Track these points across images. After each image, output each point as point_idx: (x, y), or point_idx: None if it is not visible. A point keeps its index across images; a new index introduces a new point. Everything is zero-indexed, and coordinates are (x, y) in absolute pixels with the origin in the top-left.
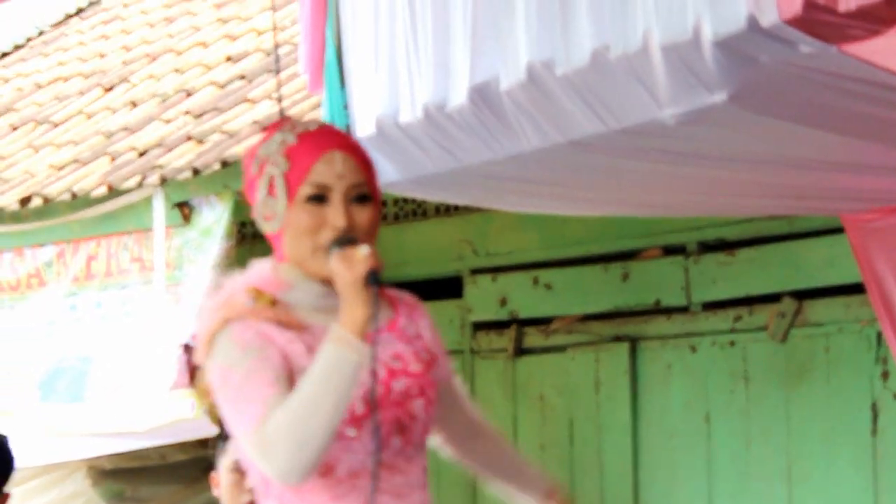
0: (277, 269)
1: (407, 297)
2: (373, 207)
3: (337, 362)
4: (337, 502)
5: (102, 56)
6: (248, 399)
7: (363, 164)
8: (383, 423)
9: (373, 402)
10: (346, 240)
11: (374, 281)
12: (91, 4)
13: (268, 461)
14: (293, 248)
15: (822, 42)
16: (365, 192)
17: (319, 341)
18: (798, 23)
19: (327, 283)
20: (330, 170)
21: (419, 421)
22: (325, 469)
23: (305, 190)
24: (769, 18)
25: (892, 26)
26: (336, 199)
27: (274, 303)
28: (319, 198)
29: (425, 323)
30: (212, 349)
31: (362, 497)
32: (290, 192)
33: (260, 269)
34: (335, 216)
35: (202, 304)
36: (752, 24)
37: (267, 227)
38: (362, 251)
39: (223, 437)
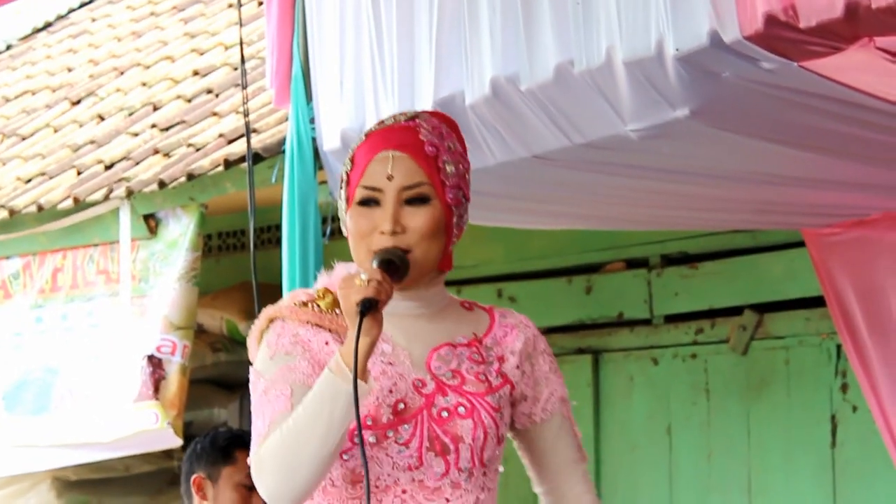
0: (358, 273)
1: (516, 317)
2: (434, 208)
3: (329, 391)
4: None
5: (70, 70)
6: (260, 413)
7: (426, 162)
8: (414, 437)
9: (359, 429)
10: (386, 255)
11: (363, 311)
12: (59, 18)
13: (259, 482)
14: (354, 253)
15: (784, 58)
16: (421, 194)
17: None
18: (759, 39)
19: (397, 288)
20: (381, 171)
21: (466, 444)
22: (354, 477)
23: (360, 192)
24: (731, 35)
25: (853, 43)
26: (387, 202)
27: (337, 304)
28: (371, 201)
29: (518, 347)
30: (257, 351)
31: None
32: (349, 195)
33: (341, 272)
34: (383, 220)
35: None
36: (715, 40)
37: (345, 232)
38: (361, 277)
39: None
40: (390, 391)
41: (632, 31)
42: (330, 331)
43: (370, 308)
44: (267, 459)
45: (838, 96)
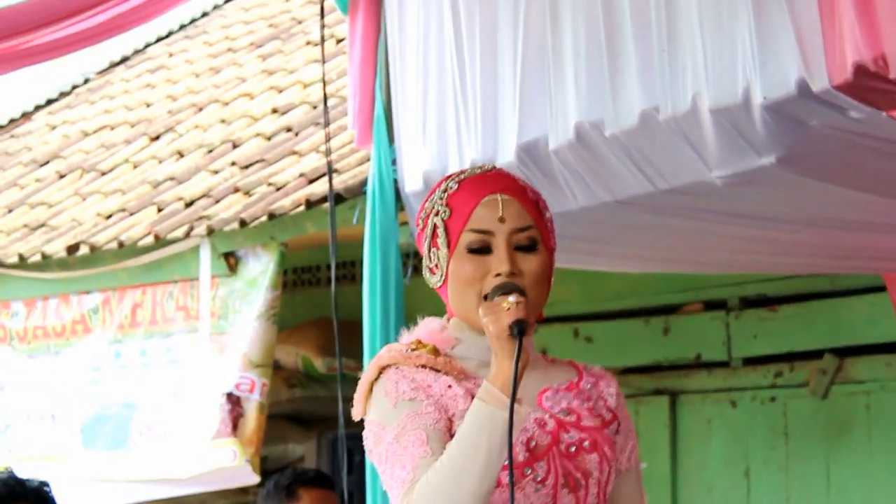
0: (446, 325)
1: (597, 368)
2: (542, 254)
3: (485, 420)
4: None
5: (148, 105)
6: (398, 462)
7: (531, 206)
8: (549, 474)
9: (510, 460)
10: (506, 287)
11: (519, 332)
12: (136, 53)
13: None
14: (457, 301)
15: (872, 108)
16: (532, 238)
17: (464, 385)
18: (848, 89)
19: None
20: (491, 214)
21: (593, 478)
22: None
23: (466, 238)
24: (820, 84)
25: None
26: (500, 246)
27: (436, 352)
28: (482, 246)
29: (612, 391)
30: (369, 402)
31: None
32: (452, 241)
33: (428, 325)
34: (499, 263)
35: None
36: (803, 88)
37: (432, 281)
38: (509, 300)
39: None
40: (523, 430)
41: (718, 78)
42: (447, 374)
43: (524, 331)
44: (425, 500)
45: None
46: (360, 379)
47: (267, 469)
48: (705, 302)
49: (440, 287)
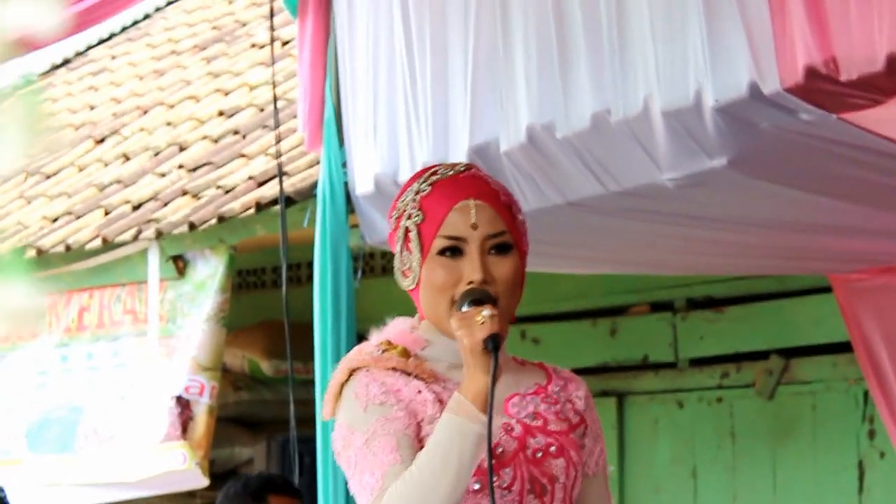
0: (416, 325)
1: (566, 372)
2: (515, 258)
3: (455, 433)
4: None
5: (92, 107)
6: (367, 468)
7: (504, 211)
8: (515, 480)
9: (489, 470)
10: (475, 294)
11: (494, 346)
12: (77, 55)
13: None
14: (429, 306)
15: (823, 110)
16: (505, 242)
17: (433, 389)
18: (799, 91)
19: None
20: (464, 220)
21: (559, 483)
22: None
23: (439, 243)
24: (771, 86)
25: (893, 96)
26: (472, 252)
27: (406, 354)
28: (454, 250)
29: (581, 394)
30: (338, 404)
31: None
32: (424, 246)
33: (397, 326)
34: (471, 270)
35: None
36: (754, 91)
37: (404, 283)
38: (483, 313)
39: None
40: None
41: (670, 80)
42: (417, 377)
43: (498, 345)
44: None
45: (874, 147)
46: (312, 380)
47: (214, 472)
48: (652, 303)
49: (412, 290)
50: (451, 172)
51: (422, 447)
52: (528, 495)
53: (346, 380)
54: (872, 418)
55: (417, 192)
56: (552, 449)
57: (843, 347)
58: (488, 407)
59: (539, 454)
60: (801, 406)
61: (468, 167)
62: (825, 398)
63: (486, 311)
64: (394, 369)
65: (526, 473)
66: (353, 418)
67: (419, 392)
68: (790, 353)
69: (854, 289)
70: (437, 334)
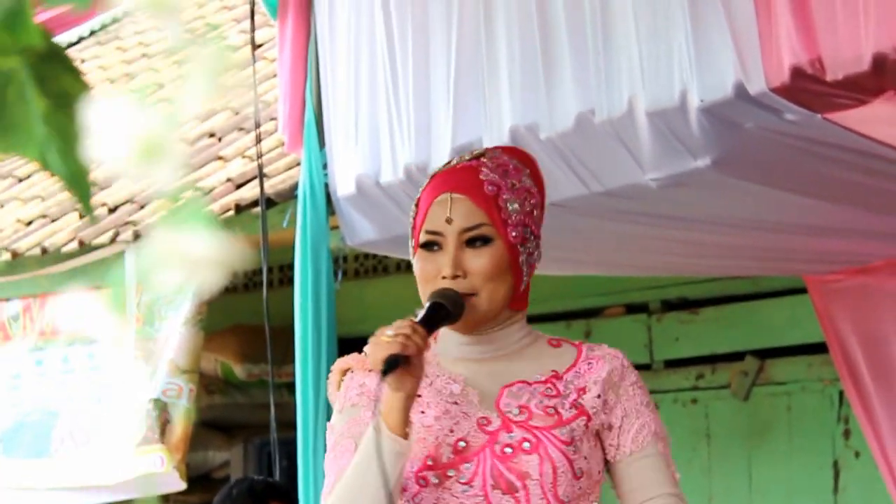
0: None
1: (605, 350)
2: (496, 249)
3: (371, 449)
4: None
5: None
6: (329, 469)
7: (486, 202)
8: (476, 476)
9: (385, 485)
10: (439, 300)
11: (385, 370)
12: None
13: None
14: (422, 297)
15: (808, 110)
16: (481, 235)
17: (438, 389)
18: (785, 91)
19: (467, 330)
20: (441, 214)
21: (532, 479)
22: None
23: (422, 237)
24: (756, 86)
25: (878, 96)
26: (448, 246)
27: None
28: (433, 245)
29: (601, 376)
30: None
31: None
32: (415, 239)
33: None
34: (443, 264)
35: None
36: (740, 91)
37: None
38: (387, 333)
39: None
40: (451, 430)
41: (654, 81)
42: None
43: (394, 367)
44: None
45: (859, 147)
46: (287, 383)
47: (188, 476)
48: (627, 305)
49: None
50: (454, 162)
51: None
52: (494, 491)
53: (339, 379)
54: (847, 418)
55: (422, 187)
56: (525, 445)
57: (818, 348)
58: (379, 422)
59: (509, 450)
60: (776, 407)
61: (478, 155)
62: (800, 399)
63: (390, 331)
64: (373, 370)
65: (489, 469)
66: (333, 419)
67: None
68: (765, 354)
69: (829, 290)
70: (445, 329)
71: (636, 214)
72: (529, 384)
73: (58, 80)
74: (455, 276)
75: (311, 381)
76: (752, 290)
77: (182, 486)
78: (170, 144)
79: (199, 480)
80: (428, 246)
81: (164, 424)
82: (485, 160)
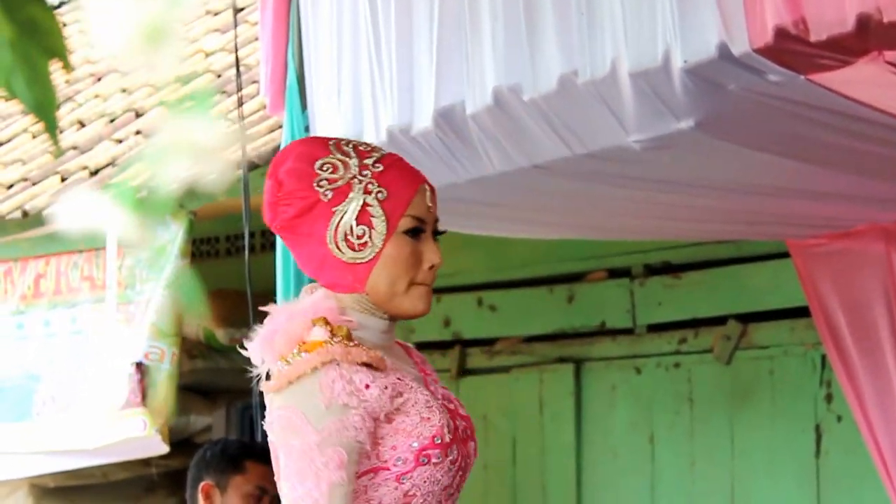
0: (340, 299)
1: (413, 349)
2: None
3: None
4: None
5: None
6: (312, 473)
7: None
8: (459, 455)
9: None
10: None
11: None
12: None
13: None
14: (385, 280)
15: (792, 71)
16: (440, 229)
17: (391, 381)
18: (769, 52)
19: (403, 319)
20: (423, 202)
21: (471, 463)
22: (405, 500)
23: (406, 222)
24: (740, 47)
25: (862, 56)
26: (427, 234)
27: (350, 337)
28: (416, 231)
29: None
30: (293, 385)
31: None
32: (391, 223)
33: (320, 303)
34: (431, 253)
35: (263, 332)
36: (723, 52)
37: (353, 255)
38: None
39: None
40: (448, 410)
41: (638, 41)
42: (368, 366)
43: None
44: None
45: (842, 109)
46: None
47: (171, 441)
48: (609, 270)
49: (363, 263)
50: (383, 152)
51: (377, 445)
52: (459, 472)
53: (319, 368)
54: (830, 382)
55: (368, 167)
56: (468, 431)
57: (801, 312)
58: None
59: (466, 433)
60: (758, 371)
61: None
62: (783, 363)
63: None
64: (363, 364)
65: (462, 450)
66: (312, 411)
67: (367, 387)
68: (748, 319)
69: (812, 254)
70: (366, 314)
71: (619, 177)
72: (435, 379)
73: (24, 8)
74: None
75: None
76: (734, 255)
77: (164, 450)
78: (168, 31)
79: (181, 445)
80: (414, 232)
81: (145, 388)
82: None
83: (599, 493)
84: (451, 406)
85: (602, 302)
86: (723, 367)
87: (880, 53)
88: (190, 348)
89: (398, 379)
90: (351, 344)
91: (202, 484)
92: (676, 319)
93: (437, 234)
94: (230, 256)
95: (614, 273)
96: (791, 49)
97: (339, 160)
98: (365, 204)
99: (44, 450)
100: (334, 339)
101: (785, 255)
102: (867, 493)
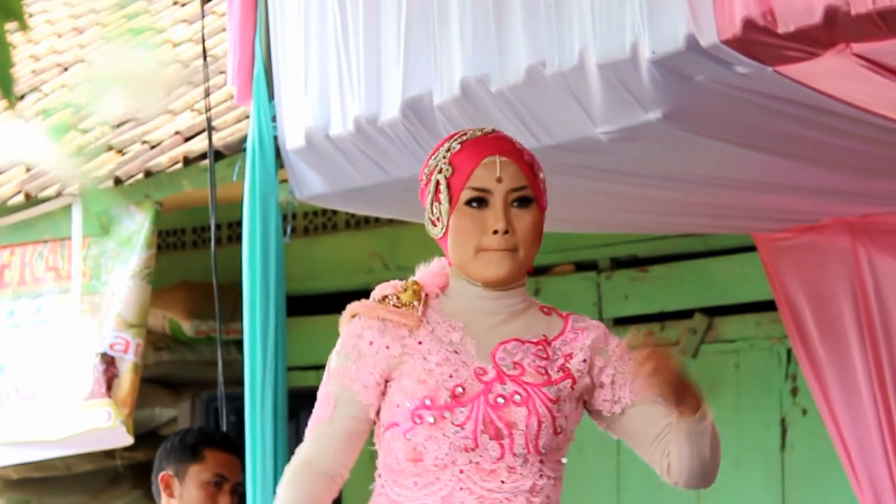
0: (451, 270)
1: (588, 321)
2: (535, 212)
3: None
4: (422, 490)
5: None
6: (315, 409)
7: (526, 168)
8: (469, 419)
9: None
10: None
11: None
12: None
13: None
14: (455, 251)
15: (759, 63)
16: (527, 196)
17: (439, 336)
18: (736, 43)
19: (488, 285)
20: (490, 174)
21: (518, 429)
22: (415, 455)
23: (466, 193)
24: (708, 38)
25: (830, 49)
26: (496, 203)
27: (418, 295)
28: (480, 201)
29: (586, 343)
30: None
31: (446, 489)
32: (453, 197)
33: (434, 266)
34: (494, 219)
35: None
36: (691, 43)
37: (433, 232)
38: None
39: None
40: (450, 376)
41: (606, 32)
42: (399, 326)
43: None
44: (280, 490)
45: (810, 102)
46: (235, 340)
47: (135, 433)
48: (576, 263)
49: (440, 238)
50: (479, 133)
51: (391, 402)
52: (483, 435)
53: (348, 322)
54: (795, 376)
55: (448, 150)
56: (517, 398)
57: (767, 306)
58: None
59: (501, 400)
60: (724, 364)
61: (494, 130)
62: (749, 356)
63: None
64: (379, 319)
65: (481, 415)
66: (332, 355)
67: (387, 347)
68: (714, 312)
69: (778, 247)
70: (459, 279)
71: (587, 169)
72: (523, 343)
73: None
74: (506, 231)
75: (259, 337)
76: (701, 248)
77: (129, 441)
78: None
79: (146, 437)
80: (475, 202)
81: (110, 379)
82: (503, 133)
83: (565, 487)
84: (513, 372)
85: (569, 295)
86: (689, 360)
87: (848, 45)
88: (155, 340)
89: (418, 343)
90: (392, 303)
91: (161, 474)
92: (643, 313)
93: (520, 201)
94: (196, 248)
95: (581, 266)
96: (759, 40)
97: (442, 147)
98: (437, 183)
99: (7, 441)
100: (386, 298)
101: (751, 248)
102: (832, 486)
